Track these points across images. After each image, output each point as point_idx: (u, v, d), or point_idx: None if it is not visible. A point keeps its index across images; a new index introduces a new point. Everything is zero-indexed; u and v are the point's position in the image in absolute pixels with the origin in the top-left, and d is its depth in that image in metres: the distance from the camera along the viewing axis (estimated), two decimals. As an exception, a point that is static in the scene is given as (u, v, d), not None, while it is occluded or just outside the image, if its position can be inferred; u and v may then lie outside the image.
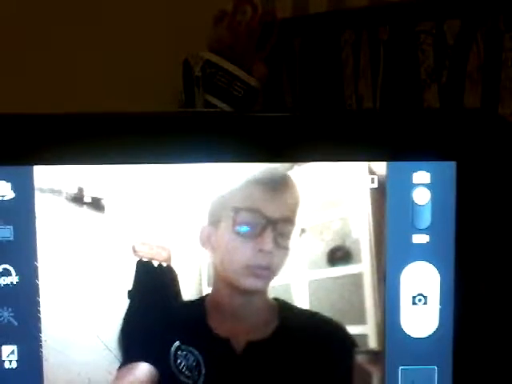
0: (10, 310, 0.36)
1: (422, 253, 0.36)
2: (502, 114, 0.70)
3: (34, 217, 0.36)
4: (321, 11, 0.87)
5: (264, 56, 0.88)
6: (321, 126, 0.36)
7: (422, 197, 0.35)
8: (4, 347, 0.36)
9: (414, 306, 0.36)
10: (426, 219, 0.35)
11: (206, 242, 0.36)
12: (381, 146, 0.35)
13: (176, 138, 0.35)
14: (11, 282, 0.36)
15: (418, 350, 0.36)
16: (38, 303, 0.36)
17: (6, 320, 0.36)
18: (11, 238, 0.36)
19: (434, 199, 0.35)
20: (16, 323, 0.36)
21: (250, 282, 0.37)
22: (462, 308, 0.36)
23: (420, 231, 0.36)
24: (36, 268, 0.36)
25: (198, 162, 0.36)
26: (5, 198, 0.36)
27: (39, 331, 0.36)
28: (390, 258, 0.36)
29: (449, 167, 0.35)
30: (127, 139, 0.35)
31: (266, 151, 0.35)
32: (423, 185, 0.35)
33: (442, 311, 0.36)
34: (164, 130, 0.36)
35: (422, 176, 0.35)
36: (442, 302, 0.36)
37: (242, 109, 0.85)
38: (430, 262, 0.36)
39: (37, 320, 0.36)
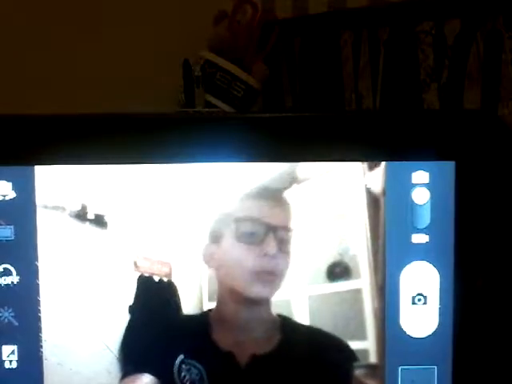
0: (10, 309, 0.36)
1: (421, 252, 0.36)
2: (502, 114, 0.70)
3: (35, 217, 0.36)
4: (321, 11, 0.87)
5: (264, 56, 0.88)
6: (320, 126, 0.36)
7: (421, 196, 0.35)
8: (4, 347, 0.37)
9: (414, 305, 0.36)
10: (425, 219, 0.35)
11: (210, 260, 0.37)
12: (380, 146, 0.36)
13: (176, 138, 0.36)
14: (12, 282, 0.36)
15: (417, 349, 0.36)
16: (38, 303, 0.36)
17: (6, 320, 0.36)
18: (12, 238, 0.36)
19: (433, 199, 0.35)
20: (16, 323, 0.36)
21: (257, 290, 0.37)
22: (461, 308, 0.36)
23: (419, 231, 0.36)
24: (37, 268, 0.36)
25: (198, 162, 0.36)
26: (6, 198, 0.36)
27: (39, 331, 0.36)
28: (389, 258, 0.36)
29: (448, 167, 0.35)
30: (127, 139, 0.36)
31: (265, 151, 0.35)
32: (422, 185, 0.35)
33: (441, 311, 0.36)
34: (164, 129, 0.36)
35: (421, 176, 0.35)
36: (441, 302, 0.36)
37: (241, 109, 0.85)
38: (430, 262, 0.36)
39: (37, 320, 0.36)
